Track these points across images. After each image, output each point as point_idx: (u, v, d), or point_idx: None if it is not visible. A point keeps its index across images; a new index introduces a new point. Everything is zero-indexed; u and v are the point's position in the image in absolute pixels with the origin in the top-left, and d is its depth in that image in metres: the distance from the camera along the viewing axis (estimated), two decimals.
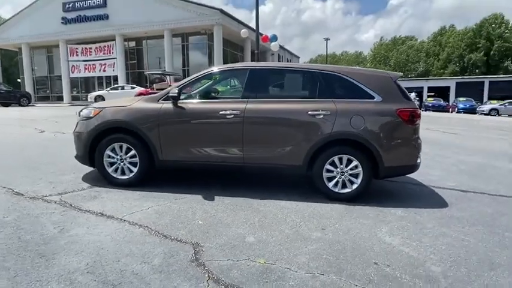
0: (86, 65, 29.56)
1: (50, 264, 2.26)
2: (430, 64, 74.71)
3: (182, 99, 3.88)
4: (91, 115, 4.01)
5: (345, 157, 3.70)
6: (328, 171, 3.74)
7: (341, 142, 3.68)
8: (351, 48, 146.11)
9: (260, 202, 3.62)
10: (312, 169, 3.76)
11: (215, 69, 4.12)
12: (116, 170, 3.99)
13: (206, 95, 4.10)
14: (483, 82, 47.86)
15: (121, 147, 3.95)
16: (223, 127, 3.81)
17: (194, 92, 4.10)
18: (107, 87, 26.39)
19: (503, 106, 29.98)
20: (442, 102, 38.47)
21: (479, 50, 63.00)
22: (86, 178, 4.27)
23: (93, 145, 3.95)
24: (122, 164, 3.98)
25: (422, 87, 48.00)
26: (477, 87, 47.15)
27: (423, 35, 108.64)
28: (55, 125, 10.33)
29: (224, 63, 24.88)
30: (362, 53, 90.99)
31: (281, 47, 34.85)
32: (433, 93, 46.73)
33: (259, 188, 4.14)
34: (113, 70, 28.37)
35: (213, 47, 24.37)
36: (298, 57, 51.33)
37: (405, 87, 3.85)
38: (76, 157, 4.17)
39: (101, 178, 4.16)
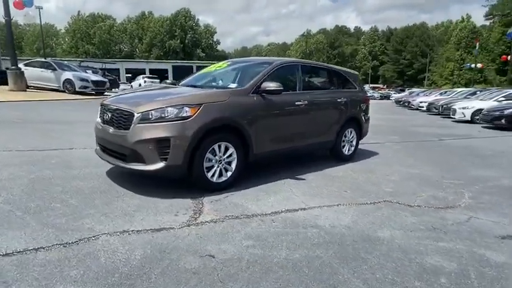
0: None
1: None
2: (135, 46, 78.74)
3: None
4: (187, 114, 3.23)
5: (349, 130, 5.31)
6: (343, 141, 5.22)
7: (350, 120, 5.25)
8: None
9: (327, 172, 4.60)
10: (336, 142, 5.09)
11: (279, 62, 4.32)
12: (213, 175, 3.51)
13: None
14: (192, 66, 57.43)
15: (219, 147, 3.52)
16: (298, 116, 4.33)
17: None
18: None
19: None
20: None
21: (176, 38, 73.37)
22: (159, 195, 3.34)
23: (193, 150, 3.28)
24: (220, 165, 3.56)
25: (144, 69, 50.72)
26: (189, 71, 55.90)
27: (115, 14, 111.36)
28: None
29: None
30: (54, 25, 79.61)
31: None
32: (154, 75, 50.49)
33: (295, 165, 4.92)
34: None
35: None
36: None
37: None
38: (166, 169, 3.17)
39: (169, 189, 3.50)
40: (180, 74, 52.24)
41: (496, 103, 12.10)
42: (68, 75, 15.88)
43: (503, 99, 12.43)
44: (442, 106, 15.83)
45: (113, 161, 3.43)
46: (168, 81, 13.87)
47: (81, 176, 3.82)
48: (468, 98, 16.12)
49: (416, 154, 6.27)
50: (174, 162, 3.19)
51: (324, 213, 3.12)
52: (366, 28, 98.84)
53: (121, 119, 3.35)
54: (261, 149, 3.92)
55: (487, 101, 12.76)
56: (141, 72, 45.14)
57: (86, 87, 16.04)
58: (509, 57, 29.72)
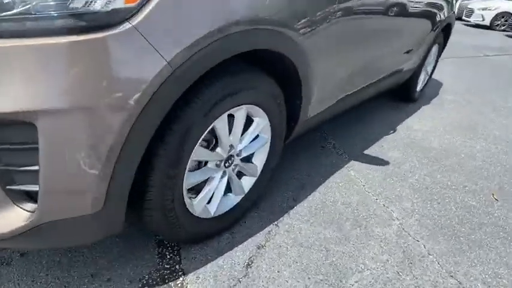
0: None
1: None
2: None
3: None
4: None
5: (435, 46, 2.94)
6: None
7: (445, 28, 2.83)
8: None
9: (404, 135, 2.42)
10: (417, 70, 2.76)
11: None
12: (209, 201, 1.16)
13: None
14: None
15: (231, 120, 1.09)
16: (384, 21, 1.85)
17: None
18: None
19: None
20: None
21: None
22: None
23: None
24: (232, 172, 1.19)
25: None
26: None
27: None
28: None
29: None
30: None
31: None
32: None
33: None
34: None
35: None
36: None
37: None
38: (34, 234, 0.87)
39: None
40: None
41: None
42: None
43: None
44: None
45: None
46: None
47: None
48: None
49: (482, 84, 4.18)
50: (78, 210, 0.76)
51: None
52: None
53: None
54: (321, 106, 1.54)
55: None
56: None
57: None
58: None
